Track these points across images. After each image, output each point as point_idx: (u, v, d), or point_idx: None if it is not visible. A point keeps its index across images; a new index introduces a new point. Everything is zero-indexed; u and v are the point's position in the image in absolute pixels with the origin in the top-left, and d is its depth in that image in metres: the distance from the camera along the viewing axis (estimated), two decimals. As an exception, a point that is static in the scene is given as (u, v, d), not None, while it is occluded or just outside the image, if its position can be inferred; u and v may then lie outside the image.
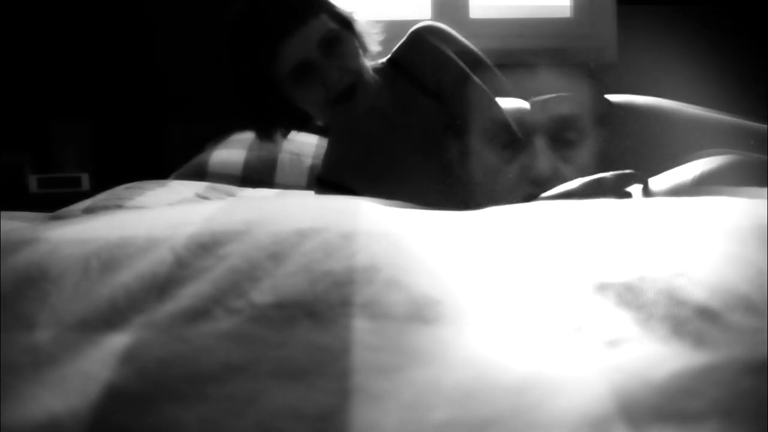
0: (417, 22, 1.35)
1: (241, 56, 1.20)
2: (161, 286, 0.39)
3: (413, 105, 1.25)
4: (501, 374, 0.33)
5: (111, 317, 0.37)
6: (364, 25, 1.27)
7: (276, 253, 0.41)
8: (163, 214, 0.49)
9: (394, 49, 1.32)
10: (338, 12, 1.22)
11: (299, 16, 1.14)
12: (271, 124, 1.28)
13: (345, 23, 1.22)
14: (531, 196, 0.89)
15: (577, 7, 2.53)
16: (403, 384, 0.31)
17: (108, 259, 0.42)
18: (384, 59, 1.32)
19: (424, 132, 1.21)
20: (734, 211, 0.49)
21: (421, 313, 0.36)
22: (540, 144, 0.89)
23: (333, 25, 1.18)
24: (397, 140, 1.25)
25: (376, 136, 1.27)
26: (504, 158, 0.93)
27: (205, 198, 1.66)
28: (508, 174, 0.91)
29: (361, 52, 1.23)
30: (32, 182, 2.25)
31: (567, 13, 2.55)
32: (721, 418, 0.29)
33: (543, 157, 0.88)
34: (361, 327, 0.35)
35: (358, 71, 1.19)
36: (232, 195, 1.73)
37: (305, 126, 1.33)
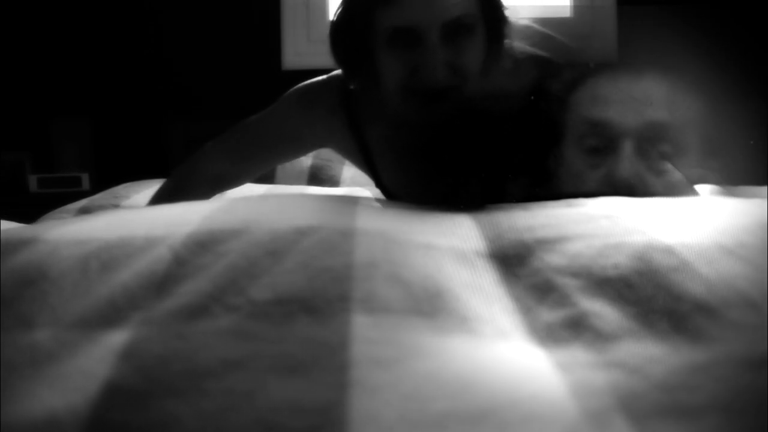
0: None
1: None
2: (160, 283, 0.39)
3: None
4: (499, 366, 0.33)
5: (110, 315, 0.37)
6: (514, 28, 1.03)
7: (274, 251, 0.41)
8: (161, 214, 0.49)
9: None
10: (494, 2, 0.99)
11: None
12: (354, 70, 1.05)
13: (492, 16, 0.98)
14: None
15: (577, 7, 2.53)
16: (402, 376, 0.31)
17: (107, 259, 0.42)
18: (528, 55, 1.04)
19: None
20: (732, 209, 0.49)
21: (419, 307, 0.36)
22: (627, 148, 0.79)
23: (475, 11, 0.95)
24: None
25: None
26: (590, 162, 0.82)
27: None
28: (591, 178, 0.81)
29: (484, 55, 0.98)
30: (32, 182, 2.25)
31: (567, 13, 2.55)
32: (720, 413, 0.29)
33: (627, 162, 0.78)
34: (359, 321, 0.35)
35: (467, 77, 0.95)
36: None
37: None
